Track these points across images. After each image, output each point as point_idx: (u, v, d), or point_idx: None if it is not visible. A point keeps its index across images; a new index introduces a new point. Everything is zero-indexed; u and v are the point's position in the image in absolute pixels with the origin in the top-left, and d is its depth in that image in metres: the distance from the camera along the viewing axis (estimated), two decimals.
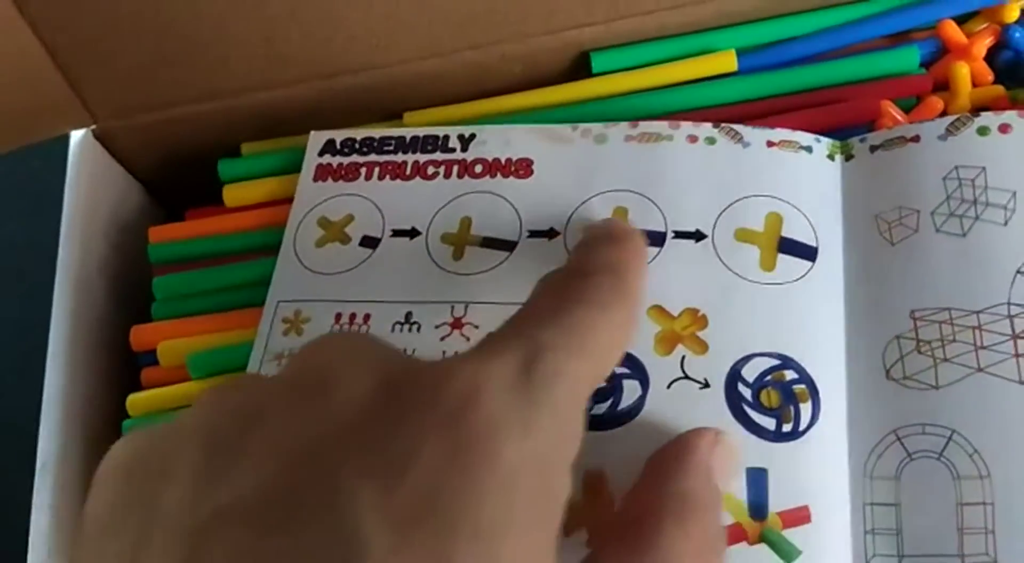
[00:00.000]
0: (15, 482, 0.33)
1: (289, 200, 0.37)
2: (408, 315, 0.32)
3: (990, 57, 0.36)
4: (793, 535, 0.26)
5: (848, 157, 0.33)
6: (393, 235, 0.33)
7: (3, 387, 0.43)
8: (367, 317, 0.32)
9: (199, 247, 0.38)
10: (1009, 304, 0.29)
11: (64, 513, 0.32)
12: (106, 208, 0.40)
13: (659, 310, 0.30)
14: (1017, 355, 0.28)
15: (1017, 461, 0.26)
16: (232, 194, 0.38)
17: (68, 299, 0.36)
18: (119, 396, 0.35)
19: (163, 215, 0.44)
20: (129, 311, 0.38)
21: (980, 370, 0.28)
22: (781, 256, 0.30)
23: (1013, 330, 0.28)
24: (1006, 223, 0.30)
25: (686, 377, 0.29)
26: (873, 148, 0.32)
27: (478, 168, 0.34)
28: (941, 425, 0.27)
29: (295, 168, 0.38)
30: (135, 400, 0.34)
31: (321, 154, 0.36)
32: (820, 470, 0.27)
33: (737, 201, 0.31)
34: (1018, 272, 0.29)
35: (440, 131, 0.35)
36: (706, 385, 0.29)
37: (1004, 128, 0.31)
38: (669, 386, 0.29)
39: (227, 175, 0.39)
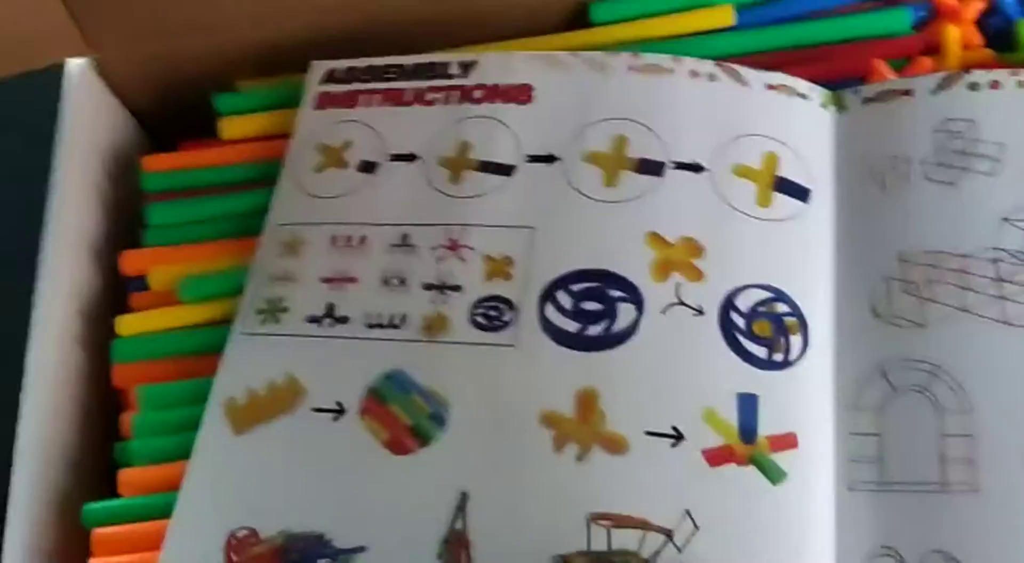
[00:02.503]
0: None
1: (285, 135, 0.37)
2: (405, 237, 0.32)
3: (980, 22, 0.37)
4: (780, 459, 0.27)
5: (841, 108, 0.33)
6: (391, 159, 0.34)
7: None
8: (363, 239, 0.32)
9: (193, 178, 0.37)
10: (994, 249, 0.29)
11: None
12: (100, 138, 0.40)
13: (656, 237, 0.30)
14: (1001, 297, 0.29)
15: (999, 396, 0.27)
16: (228, 127, 0.38)
17: (59, 224, 0.35)
18: (108, 320, 0.34)
19: (155, 149, 0.43)
20: (120, 239, 0.38)
21: (965, 310, 0.29)
22: (776, 194, 0.31)
23: (997, 273, 0.29)
24: (994, 174, 0.31)
25: (681, 303, 0.29)
26: (866, 100, 0.33)
27: (478, 94, 0.34)
28: (926, 361, 0.28)
29: (291, 103, 0.37)
30: (124, 321, 0.34)
31: (322, 83, 0.36)
32: (807, 399, 0.28)
33: (736, 138, 0.31)
34: (1004, 220, 0.30)
35: (441, 58, 0.35)
36: (700, 312, 0.29)
37: (994, 85, 0.32)
38: (664, 311, 0.29)
39: (224, 109, 0.39)
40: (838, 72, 0.35)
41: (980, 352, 0.28)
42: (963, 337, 0.28)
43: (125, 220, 0.38)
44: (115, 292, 0.36)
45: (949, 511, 0.26)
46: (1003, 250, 0.29)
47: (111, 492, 0.31)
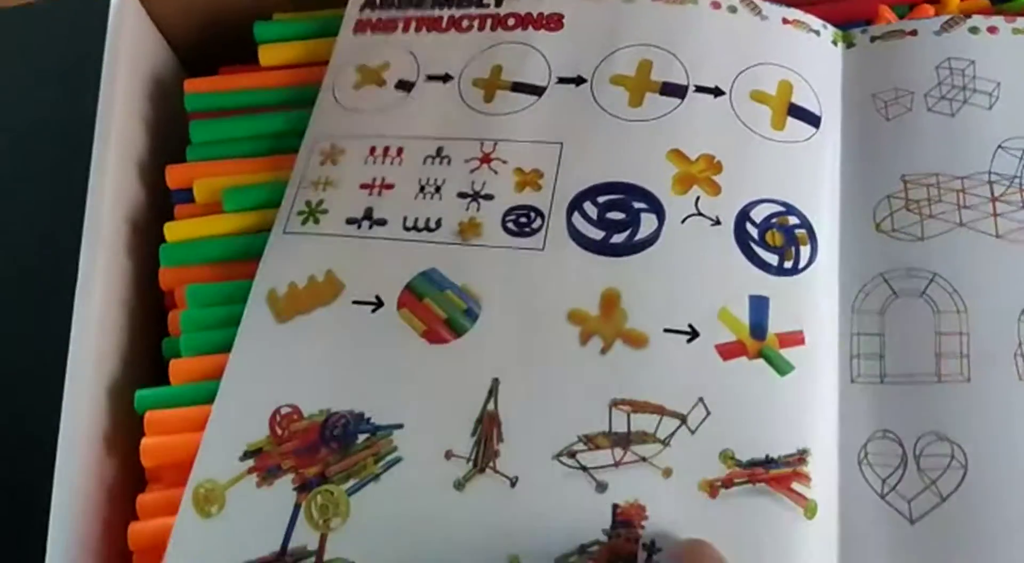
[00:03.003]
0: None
1: (322, 63, 0.39)
2: (439, 150, 0.34)
3: None
4: (788, 354, 0.29)
5: (850, 45, 0.36)
6: (427, 80, 0.36)
7: (45, 230, 0.44)
8: (400, 151, 0.35)
9: (233, 99, 0.39)
10: (990, 172, 0.32)
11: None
12: (142, 64, 0.41)
13: (677, 153, 0.32)
14: (994, 214, 0.31)
15: (991, 298, 0.29)
16: (267, 54, 0.40)
17: (105, 142, 0.37)
18: (154, 230, 0.36)
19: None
20: (163, 157, 0.39)
21: (962, 225, 0.31)
22: (790, 119, 0.33)
23: (992, 194, 0.31)
24: (990, 108, 0.33)
25: (699, 214, 0.31)
26: (873, 38, 0.35)
27: (511, 22, 0.36)
28: (925, 269, 0.30)
29: (328, 34, 0.39)
30: (172, 228, 0.36)
31: (361, 9, 0.38)
32: (814, 303, 0.30)
33: (753, 66, 0.34)
34: (999, 147, 0.32)
35: None
36: (717, 222, 0.31)
37: (992, 30, 0.35)
38: (683, 221, 0.31)
39: (262, 37, 0.41)
40: (846, 15, 0.38)
41: (974, 262, 0.30)
42: (960, 249, 0.30)
43: (167, 141, 0.40)
44: (160, 206, 0.38)
45: (943, 399, 0.28)
46: (997, 174, 0.32)
47: (161, 385, 0.33)
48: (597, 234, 0.31)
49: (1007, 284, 0.30)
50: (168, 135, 0.40)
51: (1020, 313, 0.29)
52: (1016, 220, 0.31)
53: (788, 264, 0.31)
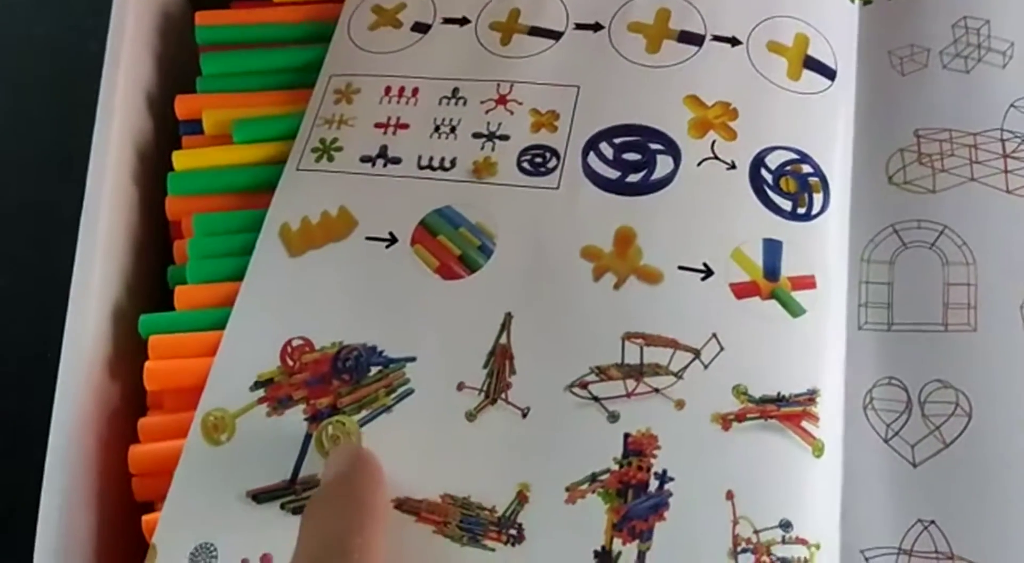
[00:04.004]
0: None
1: (337, 0, 0.38)
2: (455, 90, 0.34)
3: None
4: (800, 297, 0.29)
5: (866, 2, 0.36)
6: (444, 22, 0.35)
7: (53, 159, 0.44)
8: (415, 91, 0.34)
9: (245, 33, 0.39)
10: (1002, 129, 0.32)
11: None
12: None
13: (694, 99, 0.32)
14: (1005, 171, 0.31)
15: (999, 251, 0.30)
16: None
17: (114, 72, 0.36)
18: (161, 161, 0.36)
19: None
20: (173, 90, 0.39)
21: (973, 180, 0.31)
22: (805, 71, 0.33)
23: (1004, 150, 0.32)
24: (1004, 66, 0.33)
25: (715, 158, 0.31)
26: None
27: None
28: (935, 221, 0.31)
29: None
30: (180, 156, 0.35)
31: None
32: (826, 249, 0.30)
33: (771, 18, 0.34)
34: (1011, 106, 0.33)
35: None
36: (732, 167, 0.31)
37: None
38: (699, 164, 0.31)
39: None
40: None
41: (984, 215, 0.30)
42: (970, 202, 0.31)
43: (176, 74, 0.40)
44: (168, 138, 0.38)
45: (949, 347, 0.29)
46: (1009, 131, 0.32)
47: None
48: (613, 174, 0.32)
49: (1016, 238, 0.30)
50: (178, 69, 0.40)
51: None
52: None
53: (801, 210, 0.31)
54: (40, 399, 0.30)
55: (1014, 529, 0.26)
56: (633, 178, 0.32)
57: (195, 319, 0.32)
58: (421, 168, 0.33)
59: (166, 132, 0.38)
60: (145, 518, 0.28)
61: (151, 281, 0.35)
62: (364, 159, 0.33)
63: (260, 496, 0.28)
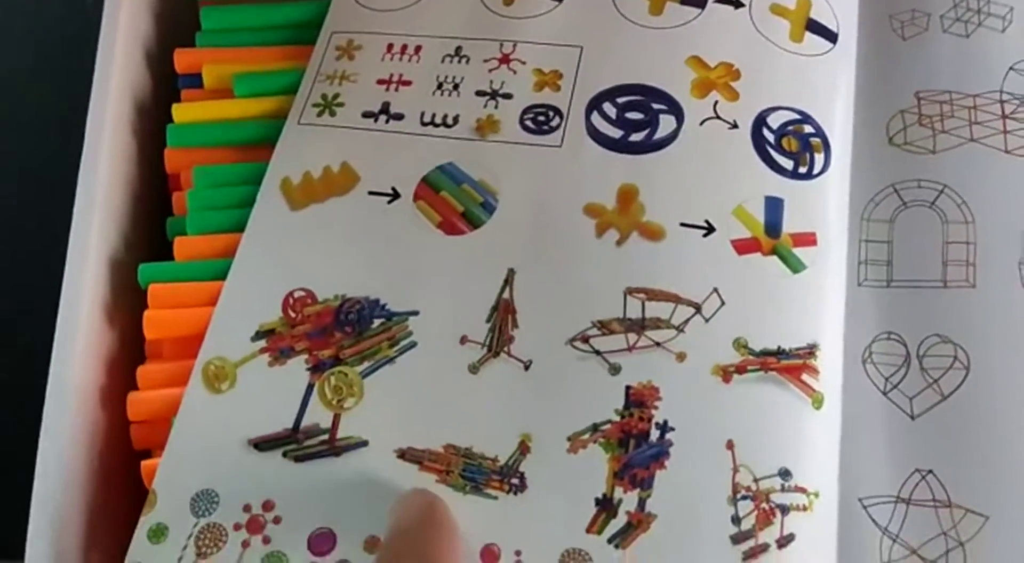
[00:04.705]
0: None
1: None
2: (458, 49, 0.34)
3: None
4: (800, 253, 0.30)
5: None
6: None
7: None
8: (418, 49, 0.34)
9: None
10: (1001, 92, 0.32)
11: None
12: None
13: (697, 60, 0.32)
14: (1004, 131, 0.32)
15: (998, 210, 0.30)
16: None
17: (111, 26, 0.36)
18: (161, 115, 0.36)
19: None
20: (172, 45, 0.38)
21: (973, 140, 0.32)
22: (808, 33, 0.33)
23: (1003, 112, 0.32)
24: (1003, 31, 0.34)
25: (718, 117, 0.31)
26: None
27: None
28: (935, 181, 0.31)
29: None
30: (180, 109, 0.35)
31: None
32: (827, 208, 0.31)
33: None
34: (1011, 69, 0.33)
35: None
36: (735, 126, 0.31)
37: None
38: (702, 123, 0.31)
39: None
40: None
41: (983, 175, 0.31)
42: (970, 162, 0.31)
43: (175, 29, 0.39)
44: (167, 93, 0.37)
45: (948, 303, 0.29)
46: (1008, 93, 0.32)
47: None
48: (616, 132, 0.32)
49: (1014, 197, 0.31)
50: (177, 24, 0.39)
51: None
52: None
53: (803, 169, 0.31)
54: (39, 350, 0.30)
55: (1010, 478, 0.26)
56: (636, 137, 0.32)
57: (194, 269, 0.32)
58: (424, 125, 0.33)
59: (165, 86, 0.38)
60: (144, 464, 0.28)
61: (150, 233, 0.35)
62: (366, 115, 0.33)
63: (262, 444, 0.28)
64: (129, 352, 0.32)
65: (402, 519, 0.25)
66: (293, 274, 0.30)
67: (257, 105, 0.35)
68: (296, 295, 0.30)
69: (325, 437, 0.28)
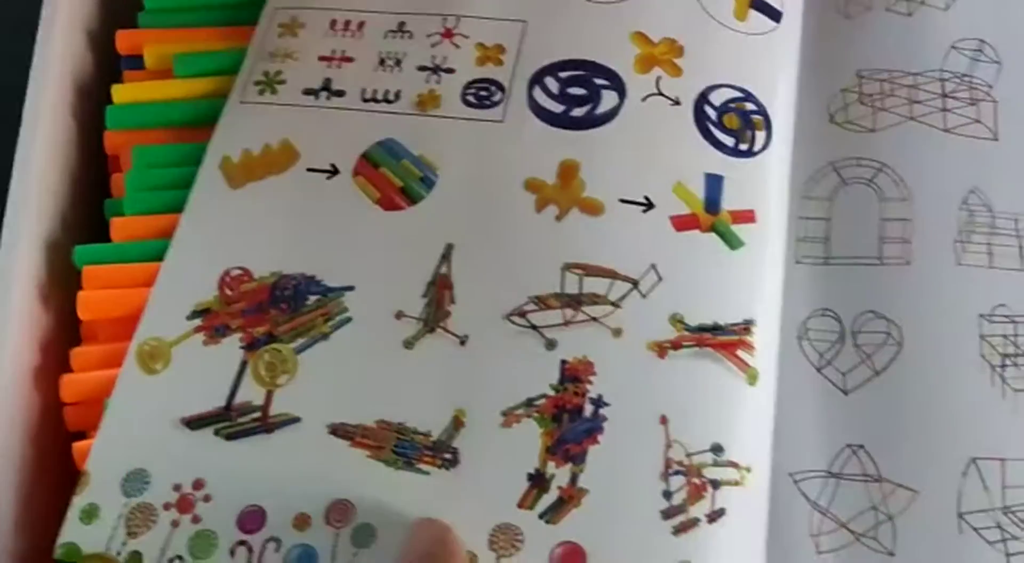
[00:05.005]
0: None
1: None
2: (401, 24, 0.34)
3: None
4: (739, 230, 0.30)
5: None
6: None
7: None
8: (361, 25, 0.34)
9: None
10: (942, 70, 0.33)
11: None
12: None
13: (641, 36, 0.32)
14: (944, 110, 0.32)
15: (935, 188, 0.30)
16: None
17: (55, 7, 0.35)
18: (101, 96, 0.35)
19: None
20: (114, 26, 0.38)
21: (912, 119, 0.32)
22: (752, 11, 0.33)
23: (943, 90, 0.32)
24: (946, 8, 0.34)
25: (660, 94, 0.31)
26: None
27: None
28: (874, 159, 0.31)
29: None
30: (120, 90, 0.34)
31: None
32: (766, 185, 0.31)
33: None
34: (952, 47, 0.33)
35: None
36: (677, 103, 0.31)
37: None
38: (644, 99, 0.31)
39: None
40: None
41: (922, 152, 0.31)
42: (909, 140, 0.31)
43: (117, 10, 0.38)
44: (108, 74, 0.37)
45: (883, 280, 0.29)
46: (949, 71, 0.32)
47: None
48: (558, 108, 0.31)
49: (951, 174, 0.31)
50: (119, 4, 0.39)
51: (961, 202, 0.30)
52: (963, 115, 0.32)
53: (743, 146, 0.31)
54: None
55: (939, 453, 0.27)
56: (578, 112, 0.31)
57: (131, 250, 0.31)
58: (365, 101, 0.32)
59: (107, 68, 0.37)
60: (76, 445, 0.28)
61: (88, 216, 0.34)
62: (307, 92, 0.33)
63: (194, 422, 0.27)
64: (65, 334, 0.31)
65: (416, 544, 0.25)
66: (230, 252, 0.30)
67: (199, 85, 0.35)
68: (233, 273, 0.30)
69: (257, 414, 0.27)
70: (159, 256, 0.31)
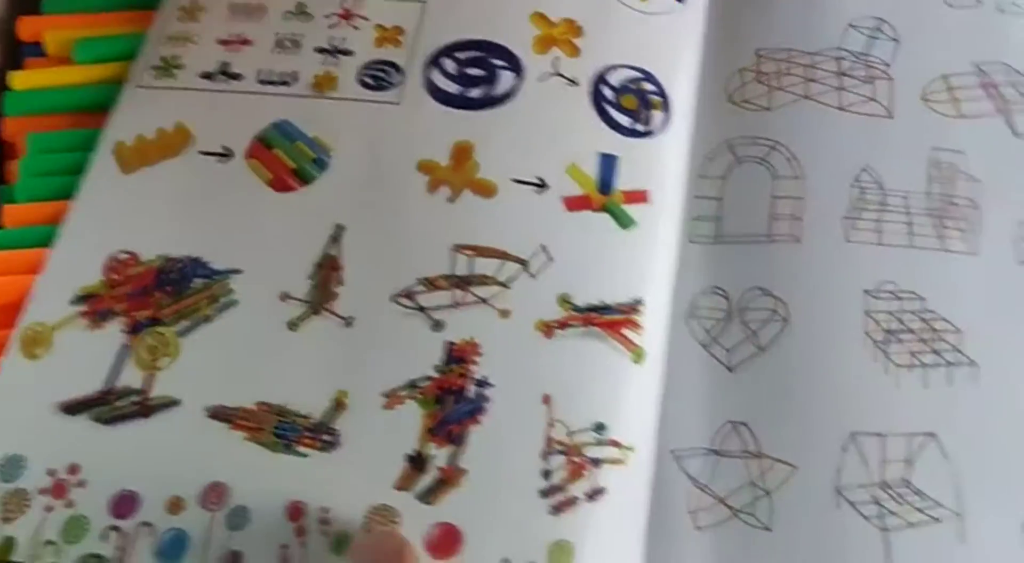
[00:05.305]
0: None
1: None
2: (300, 6, 0.33)
3: None
4: (632, 210, 0.29)
5: None
6: None
7: None
8: (260, 7, 0.33)
9: None
10: (839, 49, 0.33)
11: None
12: None
13: (540, 16, 0.32)
14: (839, 88, 0.32)
15: (828, 165, 0.30)
16: None
17: None
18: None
19: None
20: (16, 11, 0.37)
21: (807, 97, 0.32)
22: None
23: (839, 69, 0.32)
24: None
25: (558, 74, 0.31)
26: None
27: None
28: (768, 137, 0.31)
29: None
30: (18, 76, 0.34)
31: None
32: (662, 165, 0.31)
33: None
34: (849, 25, 0.33)
35: None
36: (574, 83, 0.31)
37: None
38: (541, 79, 0.31)
39: None
40: None
41: (816, 131, 0.31)
42: (803, 119, 0.31)
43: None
44: (14, 62, 0.36)
45: (771, 257, 0.29)
46: (845, 50, 0.33)
47: None
48: (454, 89, 0.31)
49: (844, 152, 0.31)
50: None
51: (853, 179, 0.30)
52: (858, 93, 0.32)
53: (640, 127, 0.31)
54: None
55: (819, 429, 0.27)
56: (474, 93, 0.31)
57: (21, 236, 0.31)
58: (261, 83, 0.32)
59: (11, 57, 0.37)
60: None
61: None
62: (204, 75, 0.32)
63: (72, 407, 0.27)
64: None
65: (369, 555, 0.24)
66: (118, 237, 0.30)
67: (99, 71, 0.34)
68: (119, 258, 0.29)
69: (136, 398, 0.27)
70: (49, 242, 0.30)
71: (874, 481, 0.26)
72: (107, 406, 0.27)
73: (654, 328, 0.28)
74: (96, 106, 0.33)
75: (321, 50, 0.32)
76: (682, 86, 0.32)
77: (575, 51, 0.32)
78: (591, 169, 0.30)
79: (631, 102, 0.31)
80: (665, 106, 0.32)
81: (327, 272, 0.29)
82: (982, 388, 0.27)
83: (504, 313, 0.28)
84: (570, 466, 0.25)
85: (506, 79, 0.31)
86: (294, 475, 0.25)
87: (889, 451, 0.26)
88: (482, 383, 0.27)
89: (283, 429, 0.26)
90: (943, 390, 0.27)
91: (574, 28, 0.32)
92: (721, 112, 0.32)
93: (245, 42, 0.33)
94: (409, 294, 0.28)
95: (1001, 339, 0.27)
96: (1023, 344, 0.27)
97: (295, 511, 0.25)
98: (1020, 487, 0.25)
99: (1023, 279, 0.28)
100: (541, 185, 0.30)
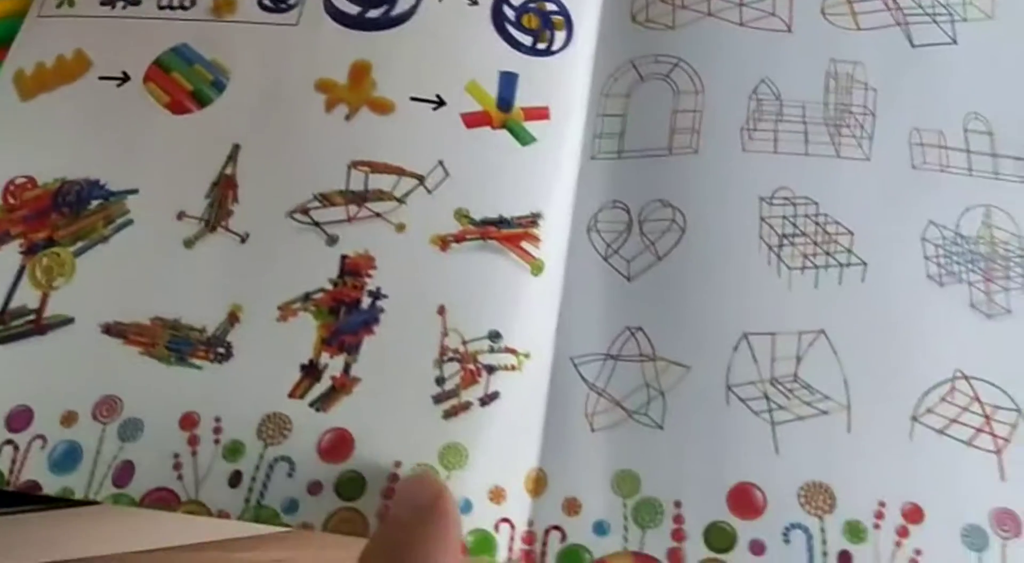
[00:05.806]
0: None
1: None
2: None
3: None
4: (532, 127, 0.30)
5: None
6: None
7: None
8: None
9: None
10: None
11: None
12: None
13: None
14: (740, 4, 0.32)
15: (727, 79, 0.30)
16: None
17: None
18: None
19: None
20: None
21: (710, 15, 0.32)
22: None
23: None
24: None
25: None
26: None
27: None
28: (671, 55, 0.31)
29: None
30: None
31: None
32: (564, 84, 0.31)
33: None
34: None
35: None
36: (475, 3, 0.31)
37: None
38: (441, 0, 0.31)
39: None
40: None
41: (717, 46, 0.31)
42: (705, 36, 0.31)
43: None
44: None
45: (671, 169, 0.29)
46: None
47: None
48: (353, 9, 0.31)
49: (744, 66, 0.31)
50: None
51: (751, 92, 0.30)
52: (759, 9, 0.32)
53: (541, 46, 0.31)
54: None
55: (713, 331, 0.27)
56: (373, 13, 0.31)
57: None
58: (161, 8, 0.32)
59: None
60: None
61: None
62: (104, 2, 0.32)
63: None
64: None
65: (408, 498, 0.24)
66: (16, 162, 0.29)
67: (3, 5, 0.33)
68: (17, 182, 0.29)
69: (31, 317, 0.27)
70: None
71: (764, 378, 0.26)
72: (3, 326, 0.27)
73: (553, 241, 0.28)
74: (2, 41, 0.33)
75: None
76: (587, 6, 0.32)
77: None
78: (491, 87, 0.30)
79: (532, 22, 0.31)
80: (568, 26, 0.32)
81: (223, 191, 0.29)
82: (871, 286, 0.27)
83: (400, 227, 0.28)
84: (464, 373, 0.26)
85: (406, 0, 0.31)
86: (187, 387, 0.26)
87: (779, 349, 0.26)
88: (376, 295, 0.27)
89: (177, 343, 0.26)
90: (833, 289, 0.27)
91: None
92: (626, 32, 0.32)
93: None
94: (304, 210, 0.28)
95: (889, 239, 0.28)
96: (912, 244, 0.28)
97: (188, 421, 0.25)
98: (907, 380, 0.26)
99: (915, 182, 0.29)
100: (439, 103, 0.30)
